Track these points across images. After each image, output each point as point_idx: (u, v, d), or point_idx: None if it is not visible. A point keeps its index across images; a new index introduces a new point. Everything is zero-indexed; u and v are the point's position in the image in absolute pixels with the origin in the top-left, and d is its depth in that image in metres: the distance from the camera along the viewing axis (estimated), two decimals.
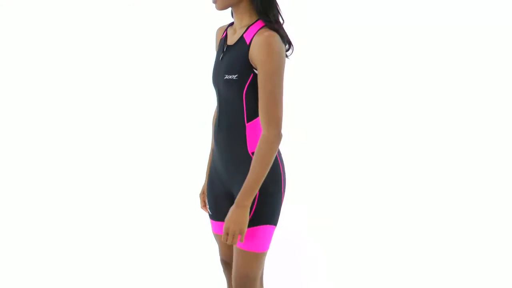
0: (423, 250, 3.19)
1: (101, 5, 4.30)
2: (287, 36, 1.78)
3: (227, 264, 2.08)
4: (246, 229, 1.73)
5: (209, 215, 2.03)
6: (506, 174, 4.19)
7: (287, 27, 1.81)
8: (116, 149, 4.38)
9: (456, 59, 4.36)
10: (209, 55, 1.91)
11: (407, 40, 4.36)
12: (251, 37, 1.72)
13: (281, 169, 1.83)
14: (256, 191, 1.72)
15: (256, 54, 1.69)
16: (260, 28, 1.71)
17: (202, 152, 3.09)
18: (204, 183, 2.10)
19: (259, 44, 1.68)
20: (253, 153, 1.79)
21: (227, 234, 1.73)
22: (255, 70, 1.72)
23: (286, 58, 1.74)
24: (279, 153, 1.87)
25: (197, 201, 3.39)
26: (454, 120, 4.36)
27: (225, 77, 1.76)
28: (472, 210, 3.68)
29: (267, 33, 1.67)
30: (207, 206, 2.07)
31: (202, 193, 2.11)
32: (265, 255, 1.86)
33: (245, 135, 1.79)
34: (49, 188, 3.93)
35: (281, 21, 1.77)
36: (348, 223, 3.49)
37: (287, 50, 1.80)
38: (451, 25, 4.33)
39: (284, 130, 1.88)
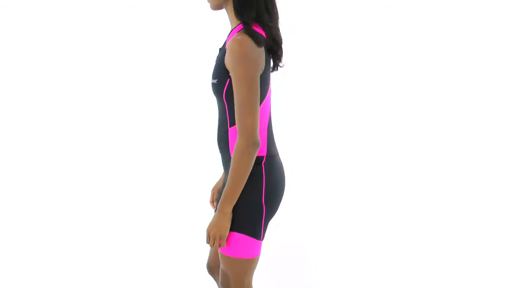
0: (421, 253, 3.21)
1: (101, 5, 4.32)
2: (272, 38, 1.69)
3: (209, 268, 2.09)
4: (226, 234, 1.71)
5: None
6: (505, 172, 4.20)
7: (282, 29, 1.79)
8: (122, 149, 4.40)
9: (453, 57, 4.37)
10: (212, 57, 1.89)
11: (406, 40, 4.37)
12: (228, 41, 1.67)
13: (264, 179, 1.74)
14: (234, 199, 1.68)
15: (227, 59, 1.63)
16: (237, 32, 1.64)
17: (207, 152, 3.12)
18: (219, 180, 2.09)
19: (229, 49, 1.61)
20: None
21: (209, 237, 1.72)
22: (231, 75, 1.65)
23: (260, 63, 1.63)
24: (274, 162, 1.78)
25: (199, 202, 3.40)
26: (445, 119, 4.37)
27: (211, 81, 1.73)
28: (471, 212, 3.69)
29: (239, 37, 1.60)
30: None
31: (213, 188, 2.10)
32: (246, 262, 1.79)
33: (228, 139, 1.75)
34: (47, 188, 3.94)
35: (268, 22, 1.67)
36: (349, 225, 3.51)
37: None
38: (449, 25, 4.34)
39: (290, 134, 1.86)
